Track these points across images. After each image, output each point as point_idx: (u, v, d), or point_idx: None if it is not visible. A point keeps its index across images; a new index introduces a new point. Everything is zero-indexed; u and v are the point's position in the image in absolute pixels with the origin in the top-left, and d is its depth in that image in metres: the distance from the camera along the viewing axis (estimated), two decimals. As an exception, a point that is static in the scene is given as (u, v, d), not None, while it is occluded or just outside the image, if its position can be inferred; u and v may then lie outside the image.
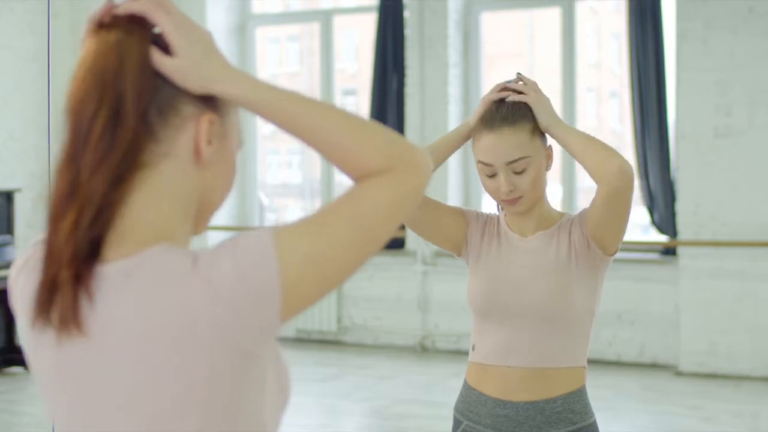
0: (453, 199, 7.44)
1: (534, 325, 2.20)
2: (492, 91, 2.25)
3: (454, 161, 7.47)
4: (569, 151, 2.17)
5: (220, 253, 1.10)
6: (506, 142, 2.17)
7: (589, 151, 2.13)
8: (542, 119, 2.19)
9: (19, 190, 7.04)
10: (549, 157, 2.25)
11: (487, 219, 2.35)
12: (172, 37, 1.14)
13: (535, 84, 2.23)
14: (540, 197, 2.25)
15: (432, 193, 7.49)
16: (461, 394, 2.32)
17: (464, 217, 2.34)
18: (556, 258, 2.22)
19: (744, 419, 5.60)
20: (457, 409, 2.32)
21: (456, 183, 7.52)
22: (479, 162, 2.22)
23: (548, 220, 2.27)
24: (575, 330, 2.22)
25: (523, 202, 2.21)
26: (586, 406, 2.24)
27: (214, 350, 1.11)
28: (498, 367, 2.23)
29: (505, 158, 2.16)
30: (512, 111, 2.19)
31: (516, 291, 2.22)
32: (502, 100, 2.21)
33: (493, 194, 2.23)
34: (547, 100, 2.22)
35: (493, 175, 2.20)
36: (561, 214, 2.29)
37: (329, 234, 1.10)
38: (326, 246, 1.10)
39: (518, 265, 2.24)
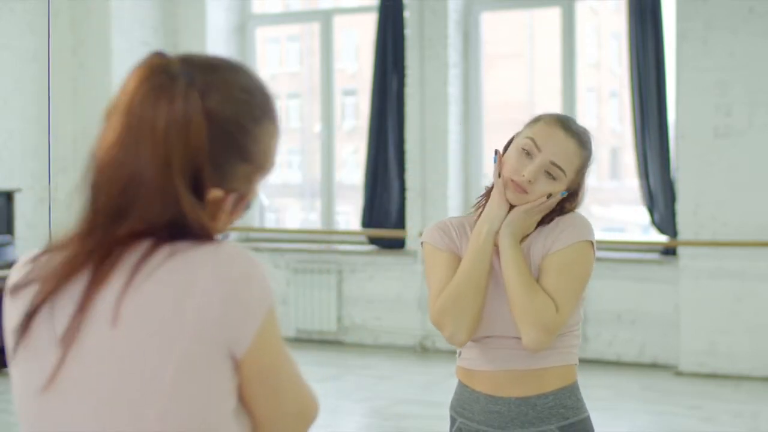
0: (453, 199, 7.43)
1: (516, 341, 2.18)
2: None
3: (453, 161, 7.47)
4: (503, 274, 2.16)
5: (244, 255, 1.23)
6: (566, 147, 2.17)
7: (514, 300, 2.13)
8: (510, 221, 2.17)
9: (19, 190, 7.04)
10: (576, 194, 2.23)
11: (460, 230, 2.28)
12: None
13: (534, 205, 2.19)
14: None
15: (432, 193, 7.42)
16: (456, 392, 2.32)
17: (458, 258, 2.24)
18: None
19: (744, 419, 5.60)
20: (452, 407, 2.32)
21: (456, 183, 7.51)
22: (530, 138, 2.17)
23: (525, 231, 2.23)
24: (561, 338, 2.20)
25: (524, 199, 2.17)
26: (578, 401, 2.22)
27: (195, 336, 1.18)
28: (485, 371, 2.23)
29: (553, 156, 2.16)
30: (584, 135, 2.22)
31: (491, 315, 2.19)
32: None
33: (511, 172, 2.17)
34: (522, 219, 2.18)
35: (527, 156, 2.16)
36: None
37: (283, 366, 1.29)
38: (281, 368, 1.28)
39: (494, 286, 2.19)
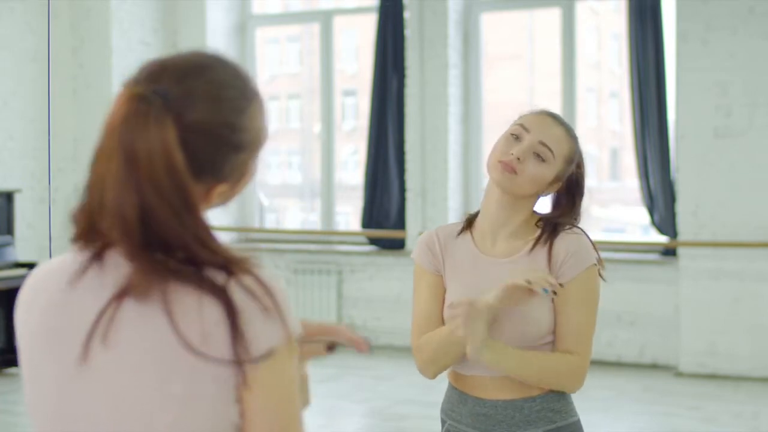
0: (453, 199, 7.43)
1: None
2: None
3: (453, 161, 7.47)
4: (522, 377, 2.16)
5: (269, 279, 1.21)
6: (555, 131, 2.20)
7: (542, 383, 2.16)
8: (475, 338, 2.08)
9: (19, 190, 7.04)
10: (555, 185, 2.21)
11: (445, 242, 2.25)
12: None
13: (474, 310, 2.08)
14: (522, 210, 2.20)
15: (432, 193, 7.40)
16: (445, 395, 2.33)
17: (441, 278, 2.24)
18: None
19: (744, 419, 5.60)
20: (442, 409, 2.32)
21: (456, 183, 7.51)
22: (519, 124, 2.20)
23: (523, 232, 2.20)
24: (551, 346, 2.19)
25: (513, 181, 2.14)
26: (567, 405, 2.21)
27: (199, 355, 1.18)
28: (475, 376, 2.22)
29: (542, 136, 2.17)
30: (572, 131, 2.25)
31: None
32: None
33: (500, 155, 2.16)
34: (483, 318, 2.07)
35: (516, 140, 2.18)
36: (536, 225, 2.20)
37: (290, 399, 1.22)
38: (284, 396, 1.21)
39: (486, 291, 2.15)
